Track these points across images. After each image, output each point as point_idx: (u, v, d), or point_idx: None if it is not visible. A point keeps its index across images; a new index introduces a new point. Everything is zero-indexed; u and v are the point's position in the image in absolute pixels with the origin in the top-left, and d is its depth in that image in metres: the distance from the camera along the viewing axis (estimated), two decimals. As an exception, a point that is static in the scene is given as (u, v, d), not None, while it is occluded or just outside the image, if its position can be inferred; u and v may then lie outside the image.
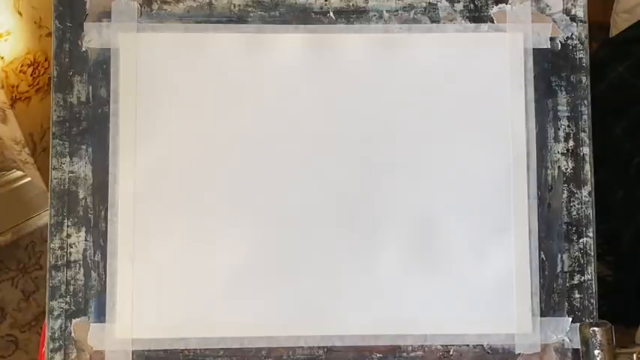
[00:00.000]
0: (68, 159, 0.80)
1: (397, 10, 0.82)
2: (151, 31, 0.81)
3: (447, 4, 0.82)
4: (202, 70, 0.81)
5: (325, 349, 0.80)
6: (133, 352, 0.79)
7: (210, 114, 0.81)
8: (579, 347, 0.78)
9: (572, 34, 0.82)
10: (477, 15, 0.82)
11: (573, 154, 0.82)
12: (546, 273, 0.81)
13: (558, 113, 0.82)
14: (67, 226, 0.79)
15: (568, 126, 0.82)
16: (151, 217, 0.79)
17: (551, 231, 0.81)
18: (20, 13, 0.92)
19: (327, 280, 0.80)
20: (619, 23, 1.21)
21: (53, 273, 0.79)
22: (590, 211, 0.82)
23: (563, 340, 0.80)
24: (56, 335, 0.79)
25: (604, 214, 0.86)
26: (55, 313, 0.79)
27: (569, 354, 0.80)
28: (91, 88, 0.80)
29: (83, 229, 0.79)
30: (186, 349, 0.79)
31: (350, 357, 0.80)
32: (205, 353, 0.79)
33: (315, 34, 0.81)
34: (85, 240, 0.79)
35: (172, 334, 0.79)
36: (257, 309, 0.79)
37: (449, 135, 0.81)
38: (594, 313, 0.81)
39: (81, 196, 0.80)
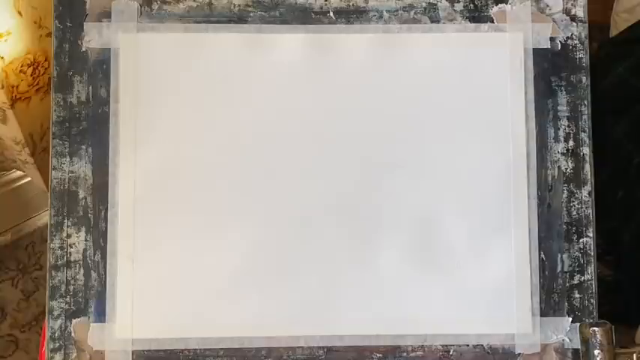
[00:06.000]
0: (68, 159, 0.80)
1: (397, 10, 0.82)
2: (151, 31, 0.81)
3: (447, 4, 0.82)
4: (202, 70, 0.81)
5: (325, 349, 0.80)
6: (133, 352, 0.79)
7: (210, 114, 0.81)
8: (579, 347, 0.78)
9: (572, 34, 0.82)
10: (476, 15, 0.82)
11: (573, 154, 0.82)
12: (546, 273, 0.81)
13: (558, 113, 0.82)
14: (67, 226, 0.79)
15: (568, 126, 0.82)
16: (151, 217, 0.79)
17: (551, 231, 0.81)
18: (20, 13, 0.92)
19: (327, 279, 0.80)
20: (619, 23, 1.21)
21: (53, 273, 0.79)
22: (590, 211, 0.82)
23: (563, 340, 0.80)
24: (56, 335, 0.79)
25: (604, 214, 0.86)
26: (55, 313, 0.79)
27: (569, 354, 0.80)
28: (91, 88, 0.80)
29: (83, 229, 0.79)
30: (186, 349, 0.79)
31: (350, 357, 0.80)
32: (205, 353, 0.79)
33: (315, 34, 0.81)
34: (85, 240, 0.79)
35: (172, 334, 0.79)
36: (257, 309, 0.79)
37: (449, 135, 0.81)
38: (594, 313, 0.81)
39: (81, 196, 0.80)
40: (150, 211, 0.80)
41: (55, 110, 0.80)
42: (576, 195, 0.82)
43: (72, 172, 0.80)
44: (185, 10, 0.81)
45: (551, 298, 0.81)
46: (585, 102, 0.82)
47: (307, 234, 0.80)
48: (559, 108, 0.82)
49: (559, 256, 0.81)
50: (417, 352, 0.80)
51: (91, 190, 0.80)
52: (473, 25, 0.82)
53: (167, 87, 0.81)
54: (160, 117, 0.80)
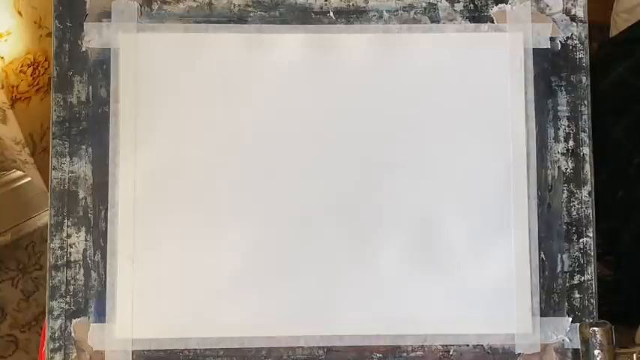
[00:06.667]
0: (68, 159, 0.80)
1: (397, 10, 0.82)
2: (151, 31, 0.81)
3: (447, 4, 0.82)
4: (202, 70, 0.81)
5: (325, 349, 0.80)
6: (133, 352, 0.79)
7: (210, 114, 0.81)
8: (579, 347, 0.78)
9: (572, 34, 0.82)
10: (476, 15, 0.82)
11: (573, 154, 0.82)
12: (546, 273, 0.81)
13: (558, 113, 0.82)
14: (67, 226, 0.79)
15: (568, 126, 0.82)
16: (151, 217, 0.79)
17: (551, 231, 0.81)
18: (20, 13, 0.92)
19: (327, 280, 0.80)
20: (619, 23, 1.21)
21: (53, 273, 0.79)
22: (590, 211, 0.82)
23: (563, 340, 0.80)
24: (56, 335, 0.79)
25: (604, 214, 0.86)
26: (55, 313, 0.79)
27: (569, 354, 0.80)
28: (91, 88, 0.80)
29: (83, 229, 0.79)
30: (186, 349, 0.79)
31: (350, 357, 0.80)
32: (205, 353, 0.79)
33: (315, 34, 0.81)
34: (85, 240, 0.79)
35: (172, 334, 0.79)
36: (257, 309, 0.79)
37: (449, 135, 0.81)
38: (594, 313, 0.81)
39: (81, 196, 0.80)
40: (150, 211, 0.80)
41: (55, 110, 0.80)
42: (576, 195, 0.82)
43: (72, 172, 0.80)
44: (185, 10, 0.81)
45: (551, 298, 0.81)
46: (585, 102, 0.82)
47: (307, 234, 0.80)
48: (559, 108, 0.82)
49: (559, 256, 0.81)
50: (417, 352, 0.80)
51: (91, 190, 0.80)
52: (473, 25, 0.82)
53: (167, 87, 0.81)
54: (160, 117, 0.80)
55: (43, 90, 1.01)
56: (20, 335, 1.33)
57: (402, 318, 0.80)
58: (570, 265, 0.81)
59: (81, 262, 0.79)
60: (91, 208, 0.80)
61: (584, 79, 0.82)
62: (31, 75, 0.98)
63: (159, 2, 0.81)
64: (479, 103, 0.82)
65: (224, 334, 0.79)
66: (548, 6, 0.83)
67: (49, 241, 0.79)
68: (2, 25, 0.90)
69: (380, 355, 0.80)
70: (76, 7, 0.80)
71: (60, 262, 0.79)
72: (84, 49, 0.80)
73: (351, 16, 0.82)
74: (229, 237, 0.80)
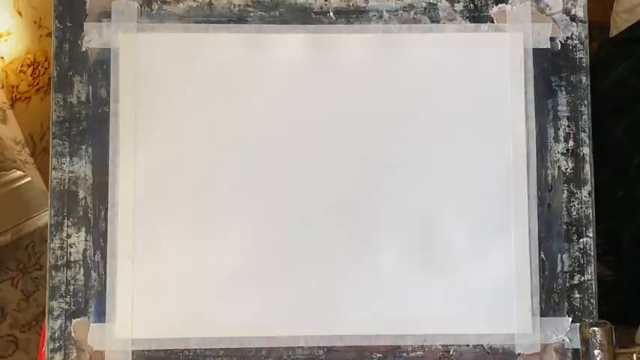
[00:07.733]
0: (68, 159, 0.80)
1: (397, 10, 0.82)
2: (151, 31, 0.81)
3: (447, 4, 0.82)
4: (202, 70, 0.81)
5: (325, 349, 0.80)
6: (133, 352, 0.79)
7: (210, 114, 0.81)
8: (579, 347, 0.78)
9: (572, 34, 0.83)
10: (476, 15, 0.82)
11: (573, 154, 0.82)
12: (546, 273, 0.81)
13: (558, 113, 0.82)
14: (67, 226, 0.79)
15: (568, 126, 0.82)
16: (151, 217, 0.79)
17: (551, 231, 0.81)
18: (20, 13, 0.92)
19: (327, 280, 0.80)
20: (619, 23, 1.21)
21: (53, 273, 0.79)
22: (590, 211, 0.82)
23: (563, 340, 0.80)
24: (56, 335, 0.79)
25: (604, 214, 0.86)
26: (55, 313, 0.79)
27: (569, 354, 0.80)
28: (91, 88, 0.80)
29: (83, 229, 0.79)
30: (186, 349, 0.79)
31: (350, 357, 0.80)
32: (205, 353, 0.79)
33: (315, 34, 0.81)
34: (85, 240, 0.79)
35: (172, 334, 0.79)
36: (257, 309, 0.79)
37: (449, 135, 0.81)
38: (594, 313, 0.81)
39: (81, 196, 0.80)
40: (150, 211, 0.80)
41: (55, 110, 0.80)
42: (576, 195, 0.82)
43: (72, 172, 0.80)
44: (185, 10, 0.81)
45: (551, 298, 0.81)
46: (585, 102, 0.82)
47: (307, 234, 0.80)
48: (559, 108, 0.82)
49: (559, 256, 0.81)
50: (417, 352, 0.80)
51: (91, 190, 0.80)
52: (473, 25, 0.82)
53: (167, 87, 0.81)
54: (160, 117, 0.80)
55: (43, 90, 1.01)
56: (20, 335, 1.33)
57: (402, 318, 0.80)
58: (570, 265, 0.81)
59: (81, 262, 0.79)
60: (91, 208, 0.80)
61: (584, 79, 0.82)
62: (31, 75, 0.98)
63: (159, 2, 0.81)
64: (479, 103, 0.82)
65: (224, 334, 0.79)
66: (548, 6, 0.83)
67: (49, 241, 0.79)
68: (2, 25, 0.90)
69: (380, 355, 0.80)
70: (76, 7, 0.80)
71: (60, 262, 0.79)
72: (84, 49, 0.80)
73: (351, 16, 0.82)
74: (229, 237, 0.80)
